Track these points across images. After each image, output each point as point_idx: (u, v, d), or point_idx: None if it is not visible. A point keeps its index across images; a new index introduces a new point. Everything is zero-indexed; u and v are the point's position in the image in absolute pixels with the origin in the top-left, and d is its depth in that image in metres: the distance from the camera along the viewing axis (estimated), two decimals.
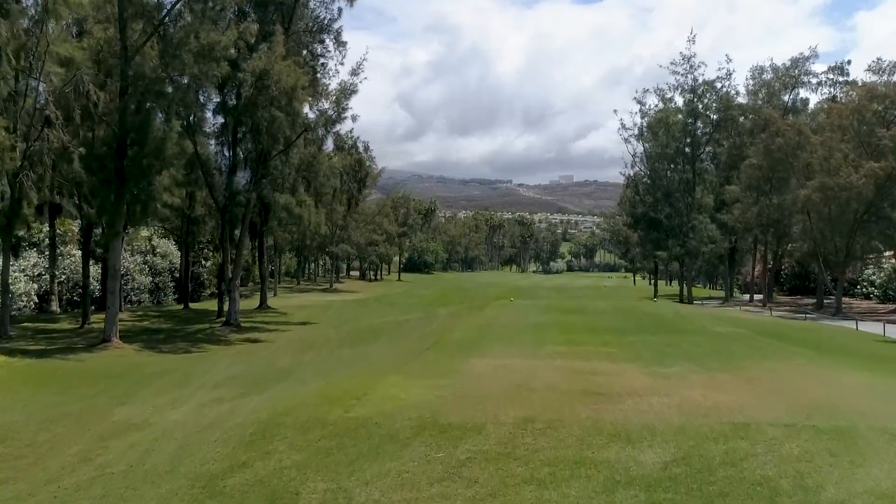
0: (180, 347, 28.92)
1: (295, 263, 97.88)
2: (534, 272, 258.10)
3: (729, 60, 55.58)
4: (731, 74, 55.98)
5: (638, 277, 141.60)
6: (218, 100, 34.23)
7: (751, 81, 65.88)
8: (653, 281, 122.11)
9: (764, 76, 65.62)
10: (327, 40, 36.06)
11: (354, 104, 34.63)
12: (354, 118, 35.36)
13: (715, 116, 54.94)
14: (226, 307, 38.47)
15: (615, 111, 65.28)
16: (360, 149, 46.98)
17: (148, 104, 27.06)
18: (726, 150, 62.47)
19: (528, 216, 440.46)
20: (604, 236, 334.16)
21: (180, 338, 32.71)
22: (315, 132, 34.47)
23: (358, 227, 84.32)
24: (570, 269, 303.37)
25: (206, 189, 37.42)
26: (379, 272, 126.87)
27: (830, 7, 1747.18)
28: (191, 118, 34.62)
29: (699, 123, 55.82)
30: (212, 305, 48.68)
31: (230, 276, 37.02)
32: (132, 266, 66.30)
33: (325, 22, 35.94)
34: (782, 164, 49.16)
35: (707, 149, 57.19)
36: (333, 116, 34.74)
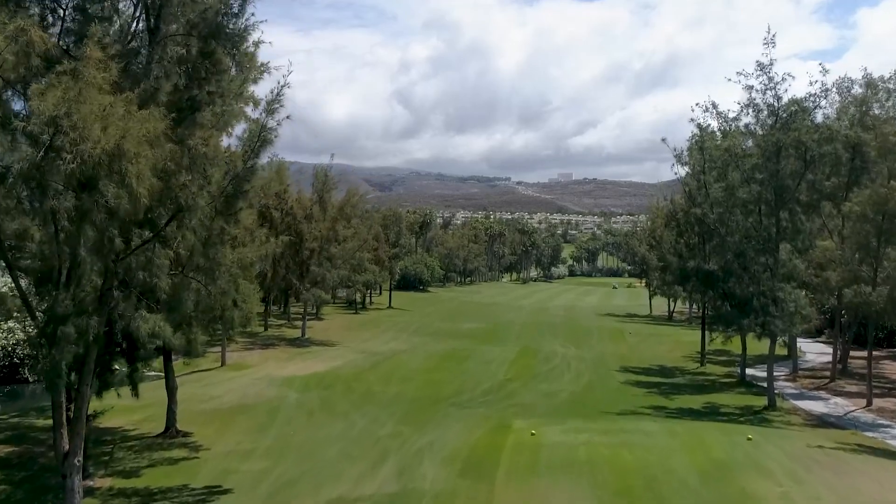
0: None
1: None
2: (534, 280, 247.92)
3: (824, 72, 39.62)
4: (827, 91, 40.54)
5: (643, 291, 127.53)
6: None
7: (837, 97, 50.38)
8: (671, 311, 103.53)
9: (853, 90, 50.20)
10: (219, 53, 20.14)
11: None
12: (286, 192, 19.96)
13: (810, 152, 39.28)
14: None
15: (663, 139, 48.64)
16: (300, 217, 31.09)
17: None
18: (805, 187, 47.18)
19: (528, 216, 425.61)
20: (606, 240, 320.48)
21: None
22: (193, 215, 19.08)
23: (334, 266, 68.77)
24: (571, 273, 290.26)
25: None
26: (368, 297, 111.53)
27: (832, 4, 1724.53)
28: None
29: (780, 159, 40.41)
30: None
31: (65, 449, 21.69)
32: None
33: (219, 20, 20.14)
34: None
35: (799, 185, 41.19)
36: (230, 186, 19.43)
